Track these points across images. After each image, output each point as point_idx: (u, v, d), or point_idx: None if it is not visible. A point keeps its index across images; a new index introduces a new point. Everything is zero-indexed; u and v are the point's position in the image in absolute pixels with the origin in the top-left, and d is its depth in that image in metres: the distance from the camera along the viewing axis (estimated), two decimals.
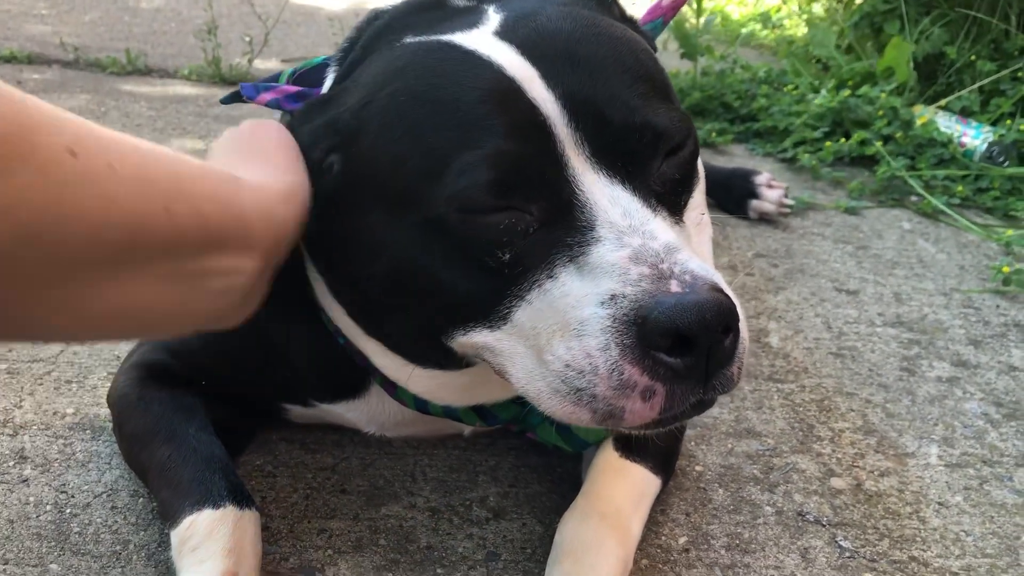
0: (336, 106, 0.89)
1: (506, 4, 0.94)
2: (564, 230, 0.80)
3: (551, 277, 0.79)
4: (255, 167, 0.82)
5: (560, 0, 0.95)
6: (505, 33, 0.87)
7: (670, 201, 0.86)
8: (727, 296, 0.76)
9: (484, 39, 0.87)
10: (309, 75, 1.05)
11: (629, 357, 0.75)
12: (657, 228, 0.79)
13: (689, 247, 0.82)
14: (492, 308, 0.82)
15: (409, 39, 0.91)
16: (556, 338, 0.78)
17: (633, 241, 0.78)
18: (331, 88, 0.98)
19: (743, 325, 0.80)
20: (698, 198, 0.91)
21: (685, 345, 0.75)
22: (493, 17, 0.91)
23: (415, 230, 0.82)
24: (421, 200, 0.80)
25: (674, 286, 0.75)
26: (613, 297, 0.75)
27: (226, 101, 1.14)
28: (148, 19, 3.72)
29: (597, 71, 0.83)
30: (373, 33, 0.97)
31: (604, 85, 0.82)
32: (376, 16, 1.01)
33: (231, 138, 0.90)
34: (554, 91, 0.81)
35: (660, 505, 1.21)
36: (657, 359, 0.75)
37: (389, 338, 0.98)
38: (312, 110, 0.92)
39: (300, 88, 1.03)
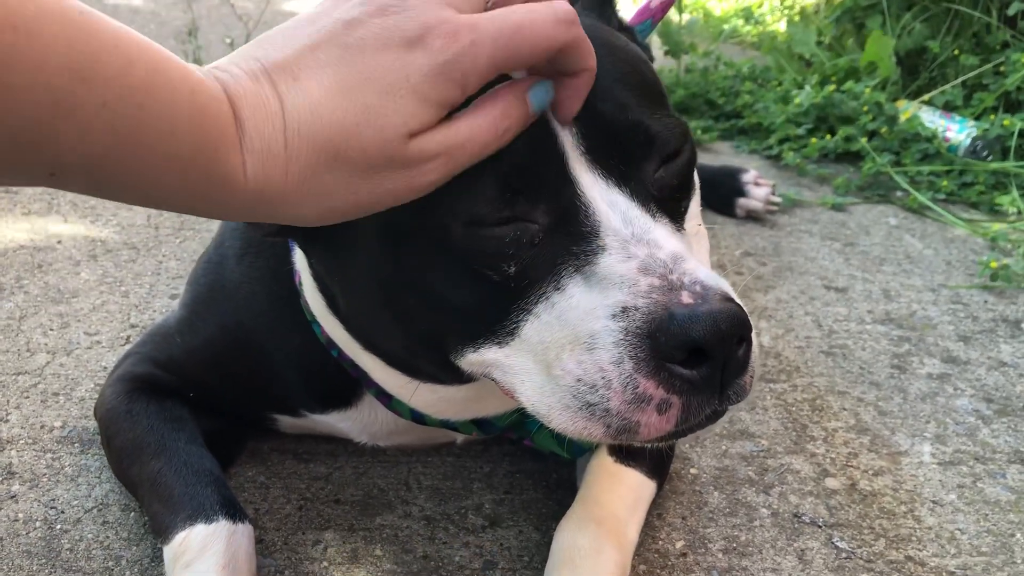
0: None
1: None
2: (569, 237, 0.78)
3: (558, 289, 0.78)
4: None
5: None
6: None
7: (670, 208, 0.85)
8: (739, 306, 0.76)
9: None
10: None
11: (644, 370, 0.74)
12: (660, 236, 0.78)
13: (693, 254, 0.81)
14: (499, 323, 0.81)
15: None
16: (566, 352, 0.77)
17: (639, 251, 0.76)
18: None
19: (754, 334, 0.79)
20: (694, 208, 0.91)
21: (700, 357, 0.74)
22: None
23: (418, 244, 0.80)
24: (425, 211, 0.78)
25: (685, 297, 0.74)
26: (624, 310, 0.74)
27: None
28: (126, 21, 3.63)
29: (597, 75, 0.82)
30: None
31: (600, 86, 0.81)
32: None
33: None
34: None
35: (656, 509, 1.21)
36: (673, 371, 0.73)
37: (390, 354, 0.97)
38: None
39: None
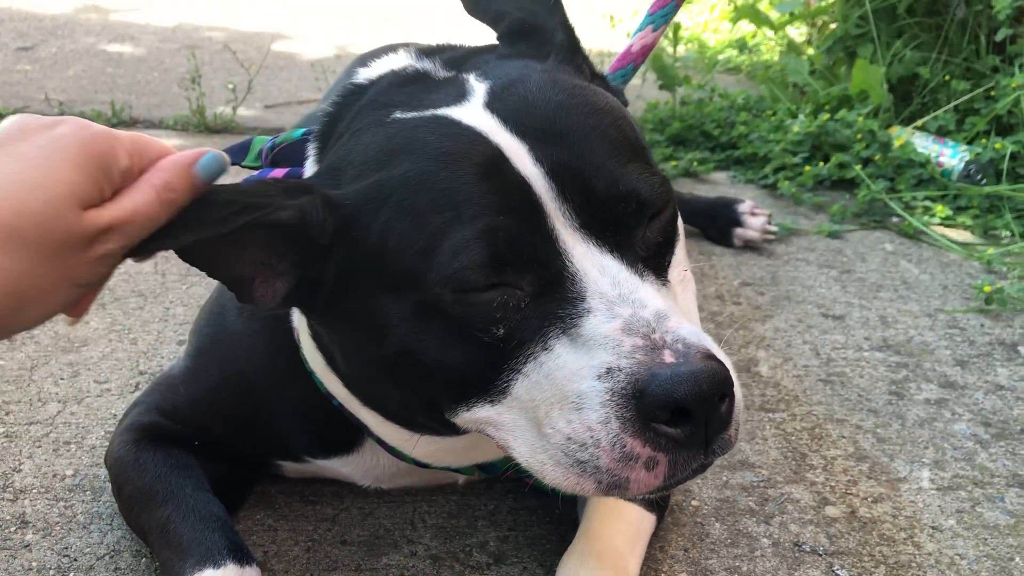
0: (331, 184, 0.89)
1: (486, 70, 0.95)
2: (555, 302, 0.81)
3: (546, 349, 0.81)
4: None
5: (540, 66, 0.97)
6: (493, 105, 0.88)
7: (655, 264, 0.88)
8: (720, 363, 0.79)
9: (475, 113, 0.88)
10: (289, 151, 1.05)
11: (630, 430, 0.77)
12: (646, 295, 0.81)
13: (677, 309, 0.84)
14: (491, 382, 0.84)
15: (399, 114, 0.92)
16: (555, 411, 0.80)
17: (623, 311, 0.79)
18: (320, 165, 0.98)
19: (737, 388, 0.82)
20: (680, 254, 0.94)
21: (683, 415, 0.77)
22: (477, 87, 0.92)
23: (412, 311, 0.84)
24: (416, 281, 0.82)
25: (667, 356, 0.77)
26: (609, 370, 0.77)
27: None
28: (131, 69, 3.75)
29: (581, 142, 0.85)
30: (358, 110, 0.98)
31: (589, 156, 0.84)
32: (356, 91, 1.01)
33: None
34: (542, 165, 0.83)
35: (659, 542, 1.23)
36: (658, 431, 0.77)
37: (388, 411, 1.00)
38: (306, 186, 0.90)
39: (287, 169, 1.03)
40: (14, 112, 3.08)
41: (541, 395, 0.81)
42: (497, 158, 0.83)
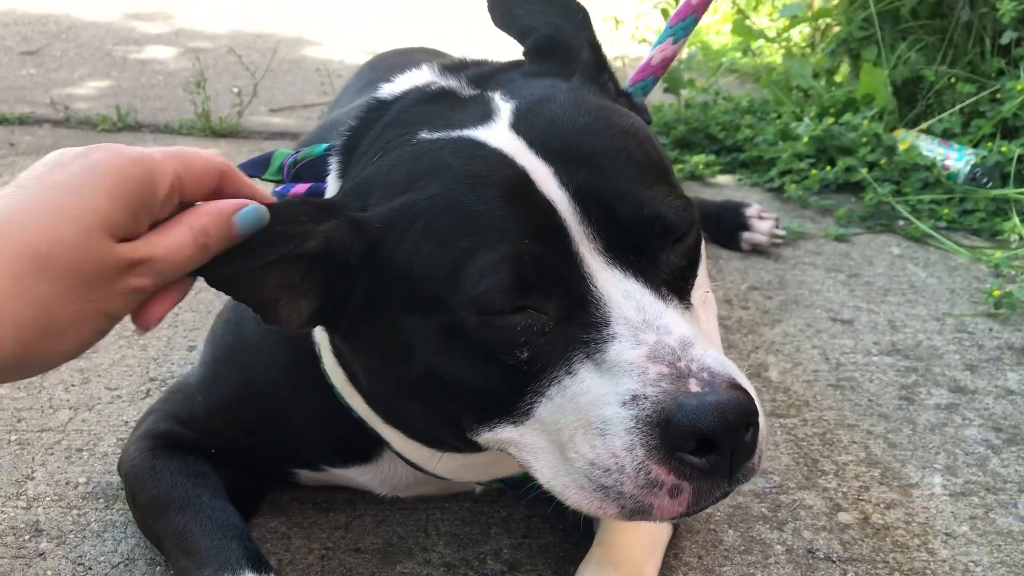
0: (358, 205, 0.89)
1: (512, 89, 0.95)
2: (580, 327, 0.82)
3: (570, 374, 0.81)
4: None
5: (565, 85, 0.96)
6: (519, 126, 0.88)
7: (678, 287, 0.88)
8: (746, 393, 0.79)
9: (501, 134, 0.88)
10: (310, 167, 1.05)
11: (655, 458, 0.77)
12: (670, 321, 0.81)
13: (701, 335, 0.84)
14: (514, 404, 0.84)
15: (425, 135, 0.91)
16: (579, 435, 0.80)
17: (648, 338, 0.80)
18: (346, 184, 0.98)
19: (762, 417, 0.82)
20: (701, 276, 0.94)
21: (709, 444, 0.77)
22: (503, 107, 0.91)
23: (437, 332, 0.84)
24: (442, 304, 0.82)
25: (693, 385, 0.77)
26: (635, 398, 0.78)
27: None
28: (136, 73, 3.75)
29: (606, 165, 0.85)
30: (383, 127, 0.98)
31: (614, 179, 0.84)
32: (379, 106, 1.01)
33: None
34: (567, 188, 0.83)
35: (672, 549, 1.23)
36: (683, 460, 0.77)
37: (411, 428, 1.00)
38: (333, 208, 0.89)
39: (310, 184, 1.04)
40: (20, 116, 3.09)
41: (564, 419, 0.82)
42: (523, 181, 0.83)
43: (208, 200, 0.82)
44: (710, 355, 0.80)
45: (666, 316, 0.82)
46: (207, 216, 0.80)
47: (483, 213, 0.82)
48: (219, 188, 0.84)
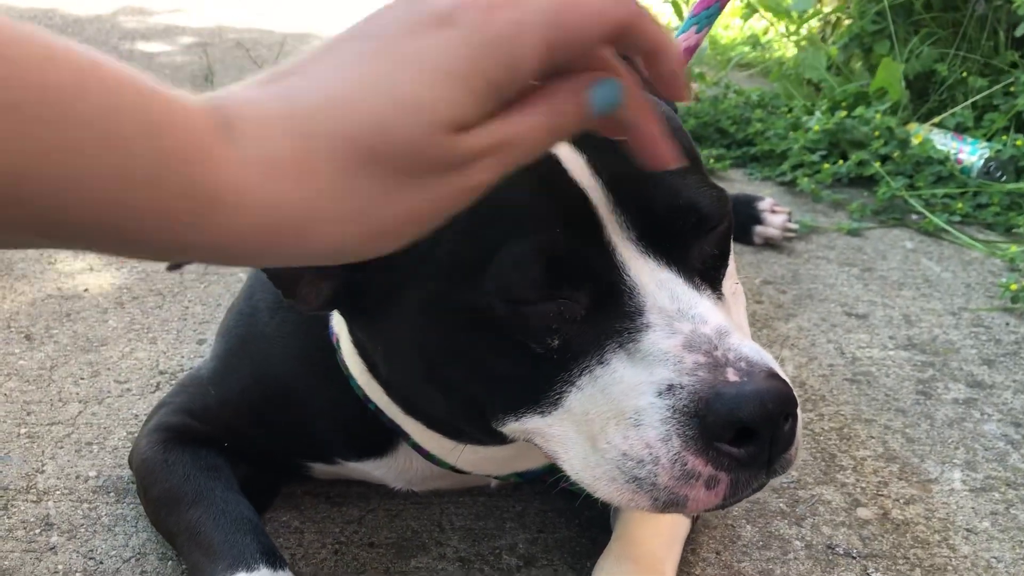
0: None
1: None
2: (612, 316, 0.80)
3: (602, 363, 0.79)
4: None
5: None
6: None
7: (711, 277, 0.86)
8: (784, 382, 0.77)
9: None
10: None
11: (692, 448, 0.75)
12: (705, 311, 0.79)
13: (735, 325, 0.82)
14: (543, 393, 0.82)
15: None
16: (611, 426, 0.78)
17: (684, 327, 0.78)
18: None
19: (799, 408, 0.80)
20: (731, 267, 0.92)
21: (747, 435, 0.75)
22: None
23: (463, 319, 0.82)
24: (470, 292, 0.80)
25: (731, 375, 0.75)
26: (671, 387, 0.76)
27: None
28: (142, 67, 3.64)
29: None
30: None
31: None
32: None
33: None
34: (600, 176, 0.81)
35: (690, 544, 1.21)
36: (721, 450, 0.75)
37: (432, 419, 0.99)
38: None
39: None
40: None
41: (595, 409, 0.80)
42: (554, 169, 0.81)
43: (594, 62, 0.66)
44: (747, 345, 0.78)
45: (701, 305, 0.80)
46: (562, 93, 0.64)
47: (513, 200, 0.78)
48: (624, 40, 0.65)
